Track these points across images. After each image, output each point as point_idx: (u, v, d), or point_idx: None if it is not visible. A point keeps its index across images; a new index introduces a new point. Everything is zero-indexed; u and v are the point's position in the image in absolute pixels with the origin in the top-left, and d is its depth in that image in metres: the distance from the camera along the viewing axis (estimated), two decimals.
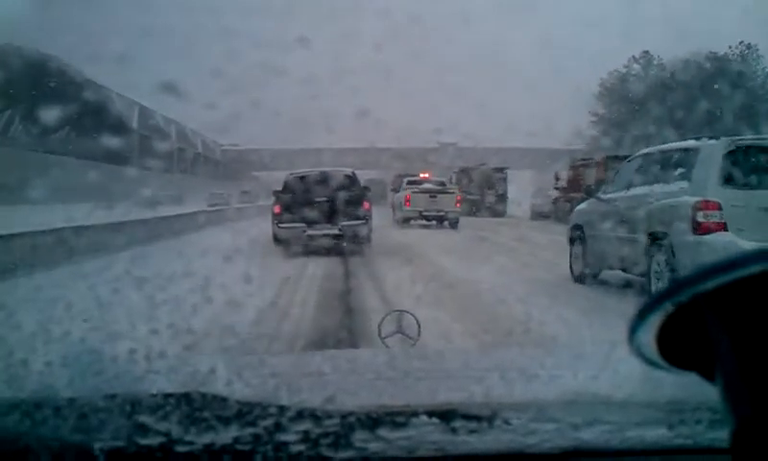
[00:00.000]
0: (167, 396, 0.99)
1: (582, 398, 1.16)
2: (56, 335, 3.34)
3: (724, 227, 5.79)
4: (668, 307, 0.60)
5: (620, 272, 7.50)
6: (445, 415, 0.93)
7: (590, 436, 0.90)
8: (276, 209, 11.57)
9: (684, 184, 6.32)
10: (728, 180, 6.00)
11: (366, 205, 11.88)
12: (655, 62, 49.86)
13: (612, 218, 7.39)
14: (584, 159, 25.36)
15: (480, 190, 31.46)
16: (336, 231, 11.29)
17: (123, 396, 1.02)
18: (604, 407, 1.08)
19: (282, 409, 0.92)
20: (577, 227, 8.40)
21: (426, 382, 1.41)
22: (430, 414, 0.93)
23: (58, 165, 32.45)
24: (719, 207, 5.86)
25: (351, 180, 12.31)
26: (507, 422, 0.94)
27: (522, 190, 34.63)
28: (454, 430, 0.90)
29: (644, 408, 1.08)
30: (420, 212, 19.65)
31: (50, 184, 27.38)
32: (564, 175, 25.65)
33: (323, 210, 11.29)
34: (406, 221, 19.56)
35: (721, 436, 0.65)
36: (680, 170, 6.58)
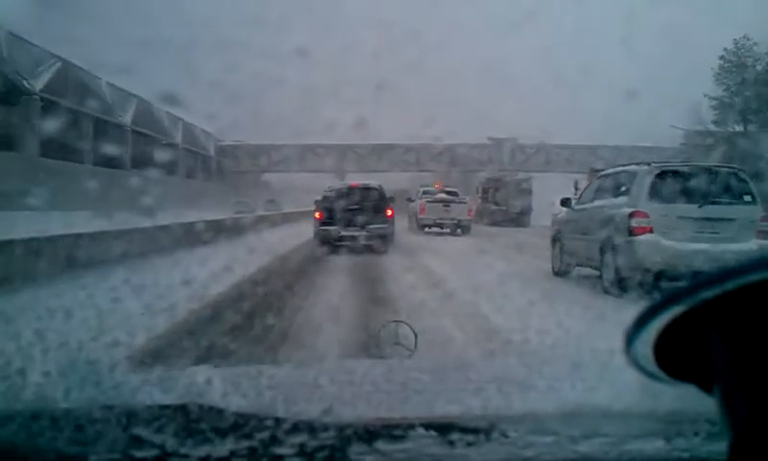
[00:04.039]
0: (163, 407, 0.99)
1: (580, 410, 1.16)
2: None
3: (650, 230, 7.69)
4: (664, 318, 0.60)
5: (587, 268, 9.27)
6: (443, 428, 0.93)
7: (589, 449, 0.90)
8: (318, 215, 14.58)
9: (625, 199, 8.21)
10: (654, 195, 7.83)
11: (389, 212, 14.72)
12: None
13: (579, 225, 9.36)
14: (597, 169, 25.37)
15: (505, 201, 31.71)
16: (364, 233, 14.05)
17: (119, 407, 1.01)
18: (602, 419, 1.07)
19: (278, 421, 0.91)
20: (556, 232, 10.37)
21: (424, 394, 1.41)
22: (427, 426, 0.92)
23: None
24: (647, 216, 7.75)
25: (377, 191, 15.10)
26: (505, 434, 0.93)
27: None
28: (452, 443, 0.90)
29: (642, 420, 1.08)
30: (434, 220, 21.33)
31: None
32: (583, 183, 25.75)
33: (353, 216, 14.10)
34: (421, 228, 21.16)
35: (719, 449, 0.65)
36: (624, 188, 8.46)
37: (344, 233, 14.14)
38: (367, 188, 15.28)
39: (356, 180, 18.22)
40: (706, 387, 0.63)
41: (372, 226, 14.11)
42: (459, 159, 48.53)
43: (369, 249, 13.74)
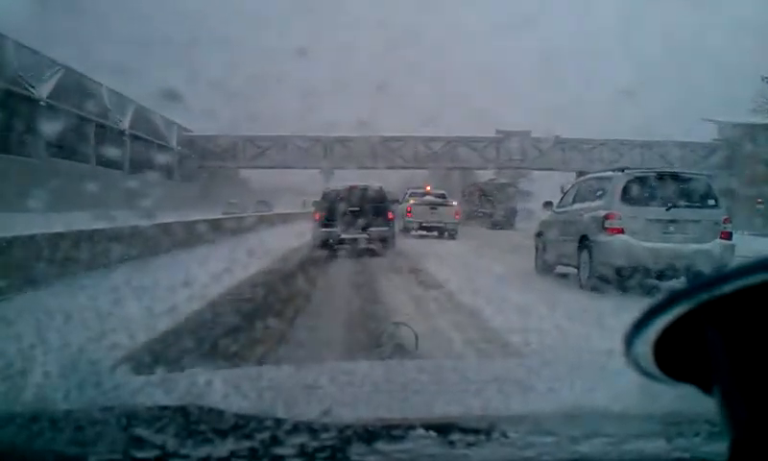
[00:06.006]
0: (163, 408, 0.99)
1: (580, 410, 1.16)
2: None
3: (622, 231, 8.46)
4: (664, 319, 0.60)
5: (567, 266, 9.99)
6: (443, 428, 0.93)
7: (588, 449, 0.90)
8: (317, 216, 14.26)
9: (601, 202, 9.02)
10: (626, 199, 8.62)
11: (390, 215, 14.65)
12: None
13: (560, 226, 10.12)
14: (583, 172, 25.78)
15: (490, 205, 32.93)
16: (365, 236, 13.84)
17: (119, 408, 1.02)
18: (602, 420, 1.07)
19: (279, 422, 0.91)
20: (539, 233, 11.22)
21: (424, 395, 1.41)
22: (427, 427, 0.92)
23: None
24: (619, 218, 8.54)
25: (378, 193, 14.93)
26: (504, 435, 0.94)
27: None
28: (452, 444, 0.90)
29: (642, 421, 1.08)
30: (421, 223, 20.99)
31: None
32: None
33: (354, 218, 13.83)
34: (407, 230, 20.63)
35: (719, 449, 0.65)
36: (600, 192, 9.28)
37: (344, 236, 14.00)
38: (368, 189, 15.11)
39: (348, 179, 18.30)
40: (705, 388, 0.63)
41: (372, 228, 13.97)
42: (461, 155, 44.80)
43: (369, 250, 13.93)
